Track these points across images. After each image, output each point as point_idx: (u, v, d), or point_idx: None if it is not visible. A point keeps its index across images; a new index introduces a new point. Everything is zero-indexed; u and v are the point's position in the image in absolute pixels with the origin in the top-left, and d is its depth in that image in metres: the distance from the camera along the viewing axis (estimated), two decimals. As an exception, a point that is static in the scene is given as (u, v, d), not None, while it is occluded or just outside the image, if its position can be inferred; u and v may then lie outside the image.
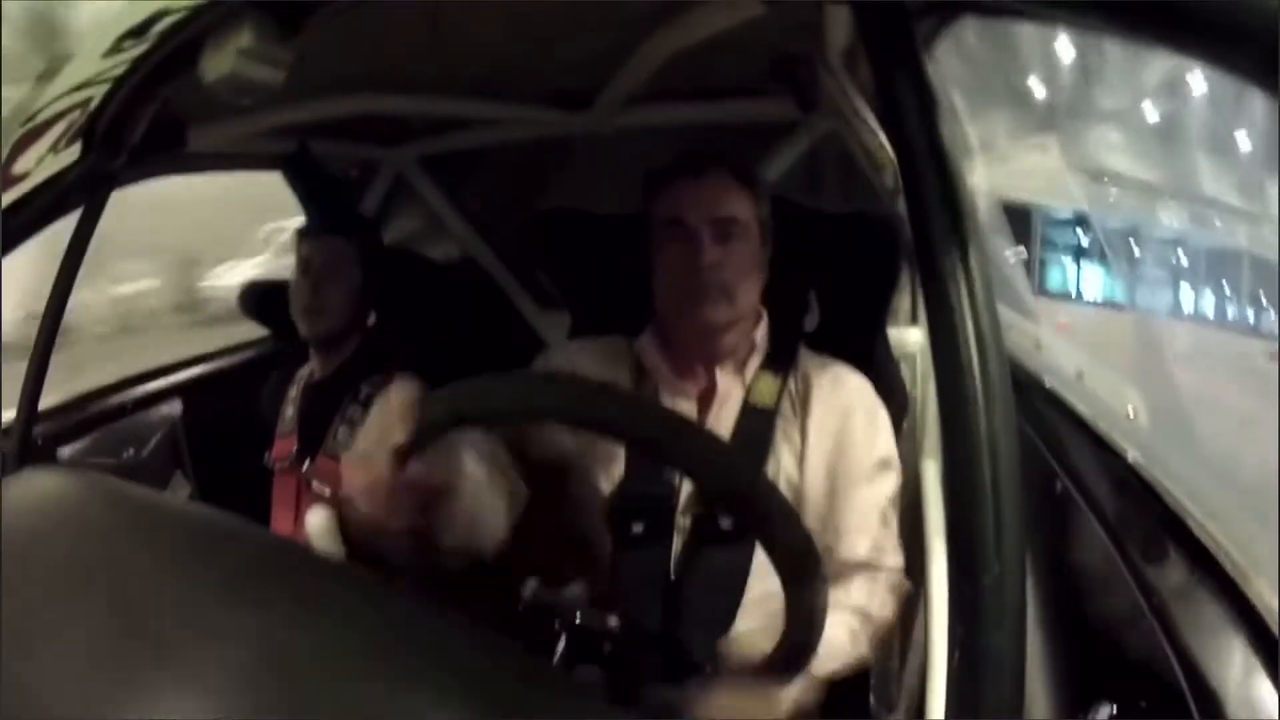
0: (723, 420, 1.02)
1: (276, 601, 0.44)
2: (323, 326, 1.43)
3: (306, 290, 1.42)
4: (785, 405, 1.03)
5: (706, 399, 1.04)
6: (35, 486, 0.60)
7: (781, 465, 1.01)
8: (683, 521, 0.98)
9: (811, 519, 0.98)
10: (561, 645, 0.76)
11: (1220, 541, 0.73)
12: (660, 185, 1.03)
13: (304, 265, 1.44)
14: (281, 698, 0.36)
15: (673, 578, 0.96)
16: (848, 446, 1.00)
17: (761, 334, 1.07)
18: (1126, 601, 0.73)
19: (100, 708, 0.36)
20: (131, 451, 1.57)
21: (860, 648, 0.92)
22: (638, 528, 0.98)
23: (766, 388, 1.03)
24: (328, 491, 1.37)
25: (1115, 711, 0.66)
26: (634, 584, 0.96)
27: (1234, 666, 0.61)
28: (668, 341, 1.06)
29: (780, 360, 1.06)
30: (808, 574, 0.64)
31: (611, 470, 1.01)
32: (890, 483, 1.01)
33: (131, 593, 0.44)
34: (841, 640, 0.89)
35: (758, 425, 1.01)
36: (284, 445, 1.45)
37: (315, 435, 1.41)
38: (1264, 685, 0.59)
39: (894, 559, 0.99)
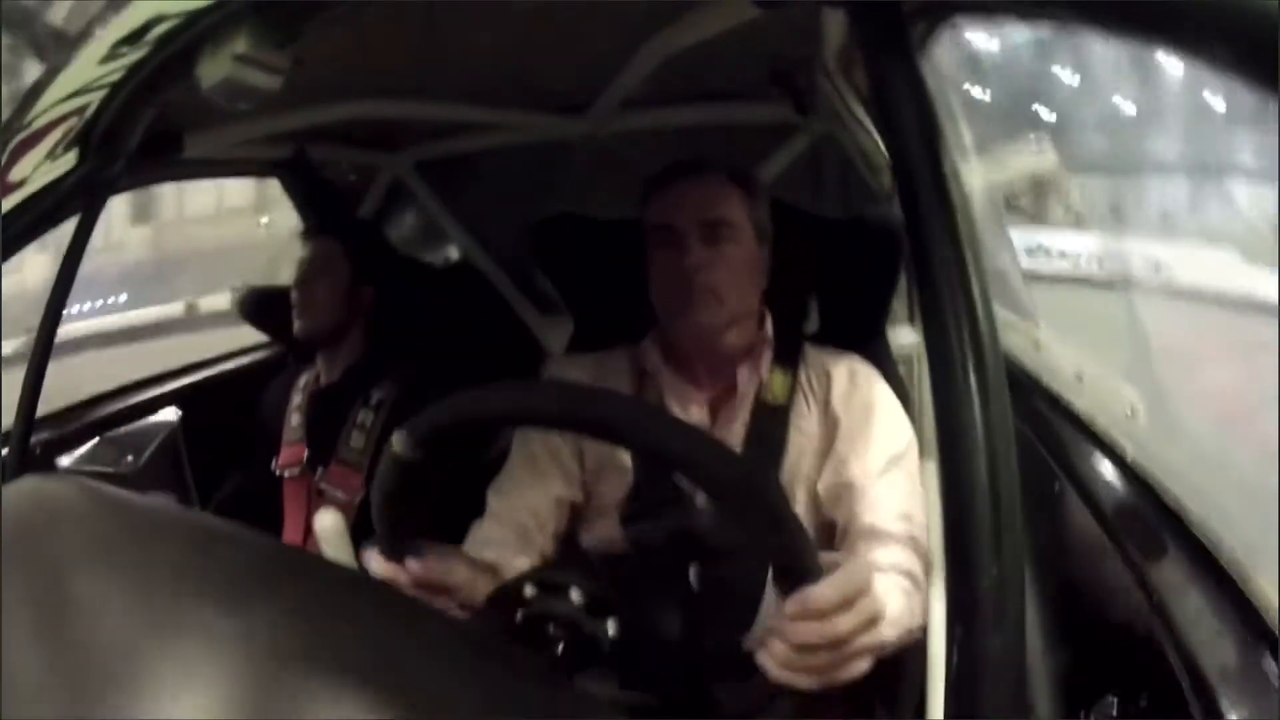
0: (737, 419, 1.02)
1: (275, 606, 0.44)
2: (309, 323, 1.45)
3: (296, 289, 1.45)
4: (799, 401, 1.03)
5: (722, 400, 1.04)
6: (33, 494, 0.59)
7: (797, 461, 1.01)
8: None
9: (839, 506, 0.98)
10: (562, 651, 0.76)
11: (1220, 539, 0.72)
12: (653, 191, 1.03)
13: (298, 266, 1.47)
14: (280, 700, 0.36)
15: (692, 585, 0.96)
16: (876, 438, 1.00)
17: (769, 330, 1.07)
18: (1126, 600, 0.73)
19: (98, 710, 0.36)
20: (130, 459, 1.57)
21: (915, 613, 0.87)
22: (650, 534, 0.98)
23: (778, 384, 1.03)
24: (341, 496, 1.37)
25: (1116, 709, 0.66)
26: (649, 591, 0.95)
27: (1234, 664, 0.61)
28: (670, 347, 1.06)
29: (787, 356, 1.06)
30: (806, 579, 0.63)
31: (624, 476, 1.01)
32: (914, 464, 1.01)
33: (130, 599, 0.44)
34: (898, 602, 0.84)
35: (770, 422, 1.01)
36: (292, 452, 1.45)
37: (325, 442, 1.42)
38: (1264, 684, 0.58)
39: (925, 535, 0.96)
